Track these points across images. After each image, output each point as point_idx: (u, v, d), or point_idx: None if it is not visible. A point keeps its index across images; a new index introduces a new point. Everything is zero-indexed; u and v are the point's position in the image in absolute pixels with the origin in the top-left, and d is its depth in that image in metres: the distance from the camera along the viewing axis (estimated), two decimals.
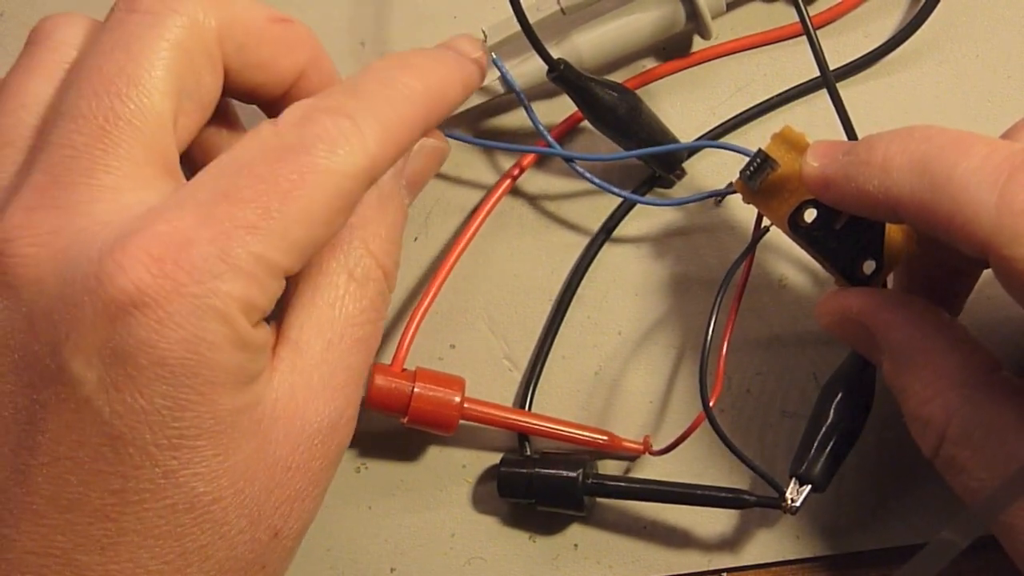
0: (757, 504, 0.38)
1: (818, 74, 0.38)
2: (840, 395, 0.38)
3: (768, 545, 0.41)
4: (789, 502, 0.38)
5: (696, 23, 0.43)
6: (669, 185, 0.44)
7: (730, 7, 0.44)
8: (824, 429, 0.38)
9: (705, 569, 0.41)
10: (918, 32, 0.44)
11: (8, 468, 0.29)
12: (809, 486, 0.38)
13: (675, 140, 0.43)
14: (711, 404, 0.37)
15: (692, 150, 0.43)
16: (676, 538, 0.41)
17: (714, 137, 0.44)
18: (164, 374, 0.28)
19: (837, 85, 0.38)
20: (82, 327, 0.28)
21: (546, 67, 0.41)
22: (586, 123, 0.43)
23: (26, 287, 0.28)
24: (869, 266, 0.37)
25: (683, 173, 0.43)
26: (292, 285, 0.32)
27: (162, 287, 0.28)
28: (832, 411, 0.38)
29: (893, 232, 0.37)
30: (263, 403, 0.30)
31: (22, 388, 0.28)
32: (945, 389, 0.32)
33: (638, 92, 0.43)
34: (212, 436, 0.29)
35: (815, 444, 0.37)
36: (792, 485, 0.38)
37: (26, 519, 0.28)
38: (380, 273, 0.34)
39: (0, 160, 0.31)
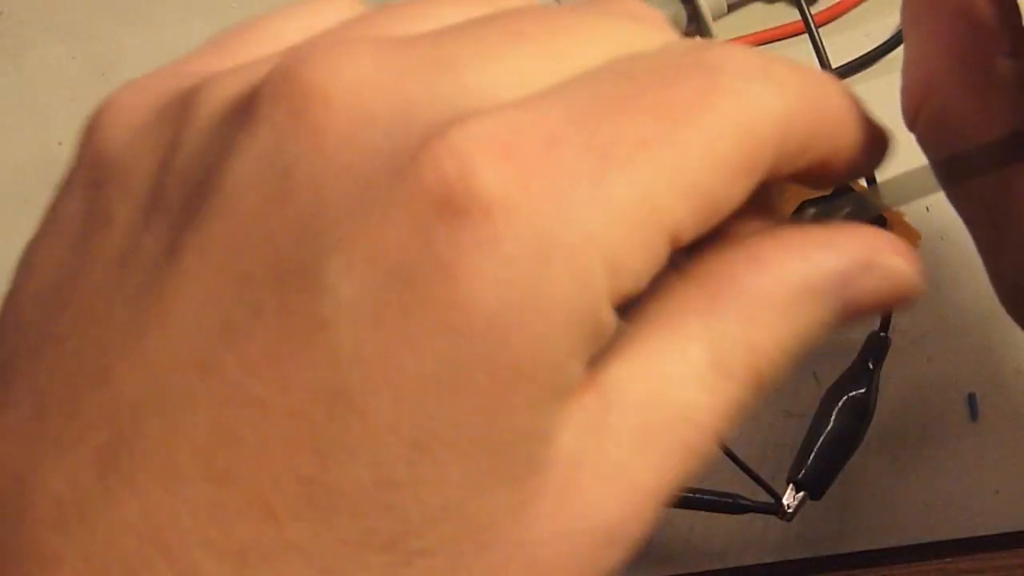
0: (753, 510, 0.38)
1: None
2: (841, 402, 0.38)
3: (768, 545, 0.41)
4: (786, 508, 0.38)
5: (697, 25, 0.43)
6: None
7: (731, 8, 0.44)
8: (824, 437, 0.38)
9: (705, 569, 0.41)
10: None
11: (190, 365, 0.18)
12: (805, 493, 0.38)
13: None
14: None
15: None
16: (676, 538, 0.41)
17: None
18: (452, 319, 0.17)
19: None
20: (359, 221, 0.17)
21: None
22: None
23: (330, 132, 0.18)
24: None
25: None
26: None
27: (510, 202, 0.17)
28: (832, 418, 0.38)
29: (894, 229, 0.37)
30: (551, 447, 0.18)
31: (264, 275, 0.18)
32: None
33: None
34: (473, 468, 0.18)
35: (814, 451, 0.38)
36: (789, 491, 0.38)
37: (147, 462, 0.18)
38: (750, 377, 0.22)
39: None
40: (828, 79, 0.21)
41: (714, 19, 0.42)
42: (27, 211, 0.33)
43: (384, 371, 0.17)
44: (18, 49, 0.34)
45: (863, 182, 0.38)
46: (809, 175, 0.21)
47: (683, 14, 0.42)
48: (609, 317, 0.18)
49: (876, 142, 0.24)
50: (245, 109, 0.18)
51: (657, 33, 0.21)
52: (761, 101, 0.20)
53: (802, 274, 0.21)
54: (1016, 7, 0.28)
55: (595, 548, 0.20)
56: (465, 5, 0.21)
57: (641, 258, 0.18)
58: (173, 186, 0.18)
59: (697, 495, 0.39)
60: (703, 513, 0.41)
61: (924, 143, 0.29)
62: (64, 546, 0.18)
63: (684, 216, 0.19)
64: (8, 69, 0.33)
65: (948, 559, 0.40)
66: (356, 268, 0.17)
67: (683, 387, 0.20)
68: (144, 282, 0.18)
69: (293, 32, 0.22)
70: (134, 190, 0.19)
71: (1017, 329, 0.40)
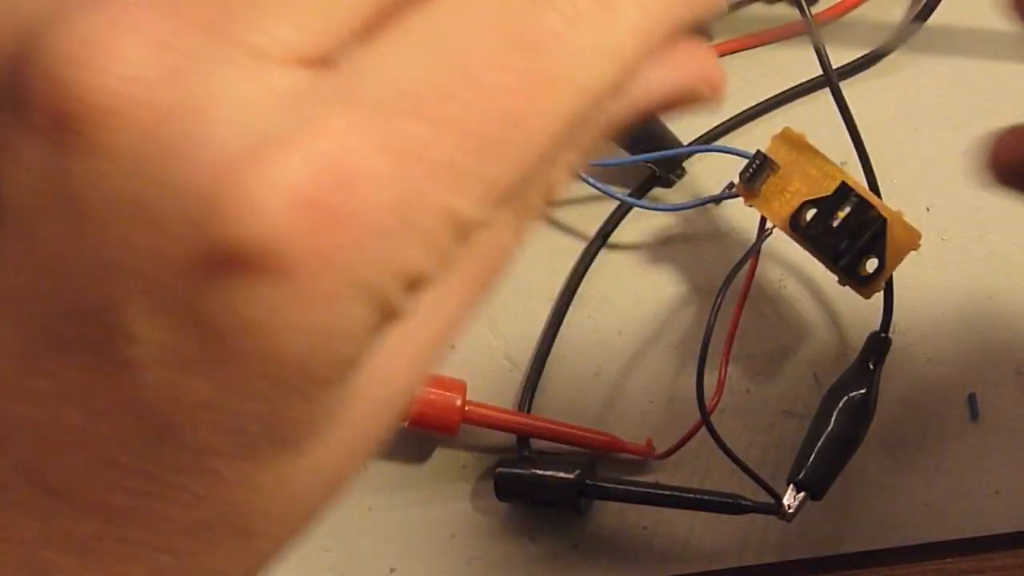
0: (753, 510, 0.38)
1: (819, 73, 0.38)
2: (841, 403, 0.38)
3: (768, 545, 0.41)
4: (786, 508, 0.38)
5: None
6: (669, 184, 0.44)
7: (732, 8, 0.44)
8: (824, 437, 0.38)
9: (705, 569, 0.41)
10: (918, 32, 0.44)
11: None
12: (805, 493, 0.38)
13: (676, 139, 0.43)
14: (713, 406, 0.37)
15: None
16: (676, 538, 0.41)
17: (716, 136, 0.44)
18: (266, 370, 0.18)
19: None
20: (156, 267, 0.17)
21: None
22: None
23: (112, 156, 0.17)
24: (872, 264, 0.37)
25: (683, 172, 0.44)
26: None
27: (305, 248, 0.17)
28: (833, 419, 0.38)
29: (894, 229, 0.37)
30: (359, 380, 0.20)
31: (43, 316, 0.18)
32: None
33: None
34: (294, 444, 0.19)
35: (814, 452, 0.38)
36: (789, 492, 0.38)
37: None
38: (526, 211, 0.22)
39: None
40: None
41: (715, 20, 0.42)
42: None
43: (204, 410, 0.18)
44: None
45: (864, 183, 0.38)
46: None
47: None
48: (405, 302, 0.18)
49: None
50: (13, 99, 0.17)
51: None
52: (589, 94, 0.18)
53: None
54: None
55: (394, 408, 0.21)
56: None
57: (439, 263, 0.18)
58: None
59: (697, 495, 0.39)
60: (703, 513, 0.41)
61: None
62: None
63: (488, 216, 0.18)
64: None
65: (948, 559, 0.40)
66: (159, 316, 0.17)
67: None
68: None
69: None
70: None
71: (1017, 329, 0.40)
